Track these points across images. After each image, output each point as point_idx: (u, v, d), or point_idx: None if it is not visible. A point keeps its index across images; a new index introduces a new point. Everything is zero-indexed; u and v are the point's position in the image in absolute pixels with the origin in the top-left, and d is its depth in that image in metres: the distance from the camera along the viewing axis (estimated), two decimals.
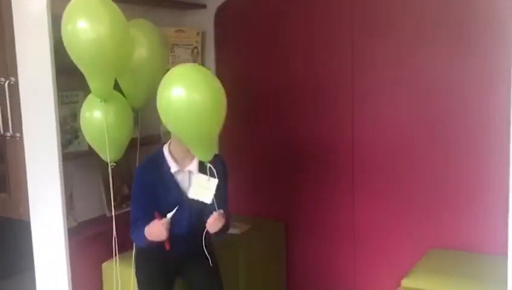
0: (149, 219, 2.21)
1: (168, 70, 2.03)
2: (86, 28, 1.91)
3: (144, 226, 2.21)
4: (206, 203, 2.19)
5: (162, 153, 2.27)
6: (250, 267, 2.89)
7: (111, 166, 2.25)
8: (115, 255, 2.34)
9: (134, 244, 2.44)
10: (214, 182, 2.14)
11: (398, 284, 2.41)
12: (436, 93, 2.71)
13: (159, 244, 2.23)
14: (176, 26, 3.10)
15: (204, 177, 2.15)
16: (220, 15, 3.29)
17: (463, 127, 2.66)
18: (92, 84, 2.06)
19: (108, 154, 2.21)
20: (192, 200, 2.22)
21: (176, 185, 2.26)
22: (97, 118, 2.18)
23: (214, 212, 2.16)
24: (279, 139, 3.24)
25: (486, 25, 2.55)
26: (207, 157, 2.10)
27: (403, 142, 2.82)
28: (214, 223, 2.17)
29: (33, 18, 2.34)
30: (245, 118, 3.33)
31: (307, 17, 3.04)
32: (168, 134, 2.33)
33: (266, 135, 3.28)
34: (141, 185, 2.28)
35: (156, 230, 2.16)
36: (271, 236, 3.15)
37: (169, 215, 2.16)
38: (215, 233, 2.24)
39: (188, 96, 1.87)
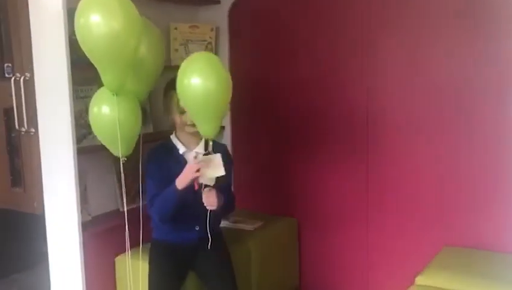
0: None
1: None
2: (98, 22, 1.89)
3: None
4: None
5: (170, 140, 2.49)
6: (263, 263, 2.89)
7: (122, 161, 2.25)
8: (128, 249, 2.34)
9: (150, 237, 2.48)
10: (218, 156, 2.23)
11: (412, 282, 2.39)
12: (453, 86, 2.68)
13: (185, 203, 2.31)
14: (190, 22, 3.10)
15: (208, 157, 2.25)
16: (234, 11, 3.28)
17: (480, 121, 2.62)
18: (104, 77, 2.06)
19: (120, 149, 2.20)
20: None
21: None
22: (105, 112, 2.16)
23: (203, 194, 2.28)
24: (291, 135, 3.23)
25: (508, 15, 2.50)
26: (211, 132, 2.23)
27: (418, 139, 2.80)
28: (207, 200, 2.28)
29: (49, 12, 2.36)
30: (257, 113, 3.33)
31: (320, 13, 3.03)
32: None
33: (278, 131, 3.27)
34: (157, 164, 2.42)
35: (189, 170, 2.26)
36: (283, 232, 3.15)
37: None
38: (218, 212, 2.37)
39: (201, 82, 2.11)
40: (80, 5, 1.97)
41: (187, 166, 2.29)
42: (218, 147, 2.39)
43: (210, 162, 2.23)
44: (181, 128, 2.45)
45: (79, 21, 1.95)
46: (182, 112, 2.36)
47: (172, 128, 2.53)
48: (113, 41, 1.91)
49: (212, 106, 2.14)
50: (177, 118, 2.42)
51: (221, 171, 2.21)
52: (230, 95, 2.20)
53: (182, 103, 2.26)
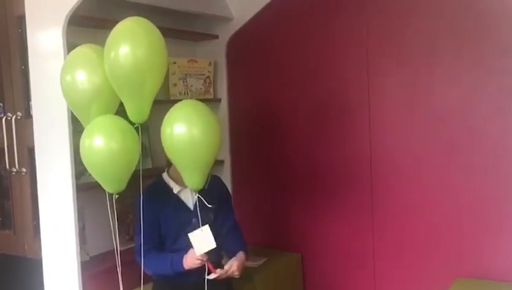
0: (158, 242, 2.30)
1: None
2: (126, 53, 1.84)
3: (156, 254, 2.28)
4: (215, 221, 2.32)
5: (162, 178, 2.37)
6: None
7: (115, 197, 2.12)
8: None
9: (152, 278, 2.36)
10: (206, 228, 2.15)
11: None
12: (452, 119, 2.67)
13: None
14: (188, 56, 3.09)
15: (196, 232, 2.16)
16: (232, 45, 3.30)
17: (484, 152, 2.60)
18: (131, 109, 1.97)
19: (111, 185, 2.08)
20: (202, 218, 2.24)
21: (182, 204, 2.33)
22: (98, 144, 1.97)
23: (234, 262, 2.27)
24: (294, 169, 3.19)
25: (507, 51, 2.52)
26: (198, 185, 2.11)
27: (423, 170, 2.76)
28: (241, 267, 2.28)
29: (49, 50, 2.35)
30: (258, 147, 3.30)
31: (319, 45, 3.04)
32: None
33: (280, 165, 3.23)
34: (148, 210, 2.26)
35: (191, 261, 2.20)
36: (287, 268, 3.08)
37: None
38: None
39: (187, 131, 1.98)
40: (109, 39, 1.91)
41: (188, 259, 2.20)
42: (212, 179, 2.33)
43: (200, 237, 2.15)
44: (176, 169, 2.28)
45: (109, 55, 1.89)
46: None
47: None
48: (141, 71, 1.85)
49: (200, 155, 2.02)
50: None
51: (212, 245, 2.14)
52: (219, 142, 2.08)
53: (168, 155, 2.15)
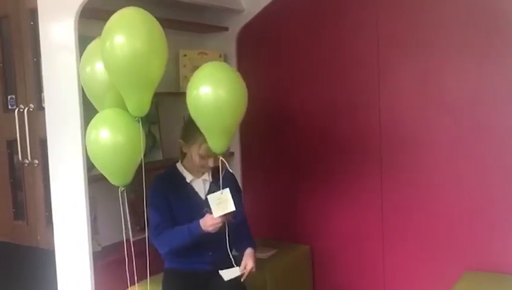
0: (172, 224, 2.31)
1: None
2: (122, 44, 1.83)
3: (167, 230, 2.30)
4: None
5: (175, 168, 2.42)
6: None
7: (121, 190, 2.15)
8: (132, 282, 2.25)
9: (163, 267, 2.39)
10: (227, 191, 2.18)
11: None
12: (462, 109, 2.67)
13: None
14: (198, 48, 3.10)
15: (216, 194, 2.20)
16: (242, 37, 3.30)
17: (494, 145, 2.60)
18: (129, 102, 1.97)
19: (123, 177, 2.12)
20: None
21: (195, 193, 2.39)
22: (103, 137, 2.01)
23: (248, 260, 2.32)
24: (304, 161, 3.20)
25: None
26: (222, 148, 2.12)
27: (433, 164, 2.76)
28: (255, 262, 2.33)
29: (61, 43, 2.36)
30: (267, 139, 3.31)
31: (330, 37, 3.04)
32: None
33: (290, 157, 3.24)
34: (160, 193, 2.35)
35: (211, 224, 2.22)
36: (297, 260, 3.10)
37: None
38: None
39: (213, 93, 1.99)
40: (105, 30, 1.91)
41: (207, 219, 2.22)
42: (226, 175, 2.33)
43: (220, 199, 2.18)
44: (191, 162, 2.37)
45: (104, 46, 1.89)
46: (207, 157, 2.29)
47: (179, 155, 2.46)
48: (139, 62, 1.84)
49: (225, 117, 2.02)
50: (196, 158, 2.34)
51: (231, 207, 2.16)
52: (245, 105, 2.09)
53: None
